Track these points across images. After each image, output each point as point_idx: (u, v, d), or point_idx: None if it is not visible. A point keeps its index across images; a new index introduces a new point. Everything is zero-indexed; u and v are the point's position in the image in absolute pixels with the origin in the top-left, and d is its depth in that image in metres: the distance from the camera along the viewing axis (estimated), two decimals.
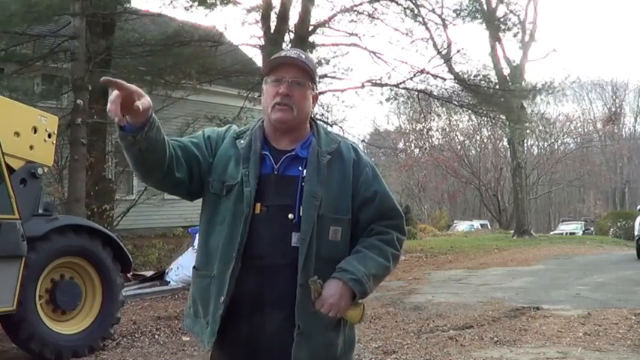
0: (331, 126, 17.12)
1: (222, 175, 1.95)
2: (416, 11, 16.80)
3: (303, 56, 1.98)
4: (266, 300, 1.87)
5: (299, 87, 1.93)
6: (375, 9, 16.59)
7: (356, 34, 16.60)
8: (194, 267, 2.05)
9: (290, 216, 1.88)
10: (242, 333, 1.90)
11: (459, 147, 40.76)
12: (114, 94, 1.68)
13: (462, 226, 37.45)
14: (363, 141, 26.53)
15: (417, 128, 39.08)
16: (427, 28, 17.24)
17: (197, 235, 2.50)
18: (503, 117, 19.58)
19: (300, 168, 1.93)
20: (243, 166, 1.92)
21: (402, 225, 2.05)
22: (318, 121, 2.09)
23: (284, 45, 15.02)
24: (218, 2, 13.00)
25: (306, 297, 1.84)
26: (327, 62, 16.52)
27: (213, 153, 1.99)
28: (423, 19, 17.01)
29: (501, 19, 20.27)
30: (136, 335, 6.46)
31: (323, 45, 16.62)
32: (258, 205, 1.89)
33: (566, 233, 31.83)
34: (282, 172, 1.94)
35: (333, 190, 1.92)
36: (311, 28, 15.65)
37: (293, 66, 1.94)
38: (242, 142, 1.97)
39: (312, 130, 2.03)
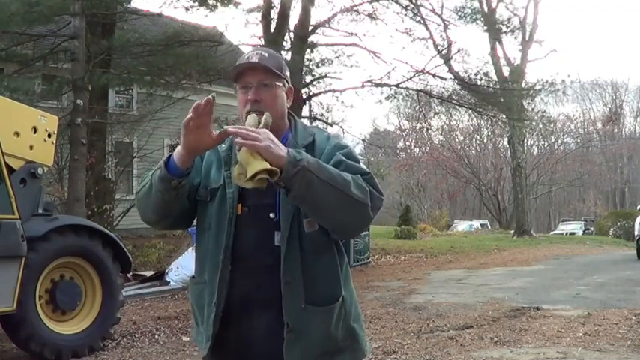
0: (331, 126, 17.15)
1: (205, 180, 1.95)
2: (416, 11, 16.83)
3: (266, 55, 1.94)
4: (254, 301, 1.86)
5: (266, 89, 1.90)
6: (376, 9, 16.62)
7: (356, 34, 16.64)
8: (191, 276, 2.06)
9: (271, 215, 1.86)
10: (232, 336, 1.89)
11: (459, 147, 40.77)
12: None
13: (461, 226, 37.42)
14: (363, 140, 26.56)
15: (417, 128, 39.07)
16: (427, 28, 17.27)
17: None
18: (504, 116, 19.59)
19: None
20: (225, 169, 1.91)
21: (374, 181, 1.86)
22: (295, 116, 2.06)
23: (284, 45, 15.04)
24: (219, 3, 13.01)
25: (293, 294, 1.82)
26: (330, 62, 16.56)
27: (201, 167, 2.00)
28: (423, 18, 17.03)
29: (502, 22, 20.28)
30: (136, 335, 6.46)
31: (325, 45, 16.66)
32: (239, 206, 1.88)
33: (566, 233, 31.81)
34: None
35: None
36: (311, 28, 15.67)
37: (256, 69, 1.91)
38: (223, 146, 1.96)
39: (289, 127, 2.00)
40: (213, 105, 1.74)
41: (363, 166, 1.96)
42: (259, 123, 1.79)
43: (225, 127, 1.77)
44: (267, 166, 1.65)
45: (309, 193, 1.71)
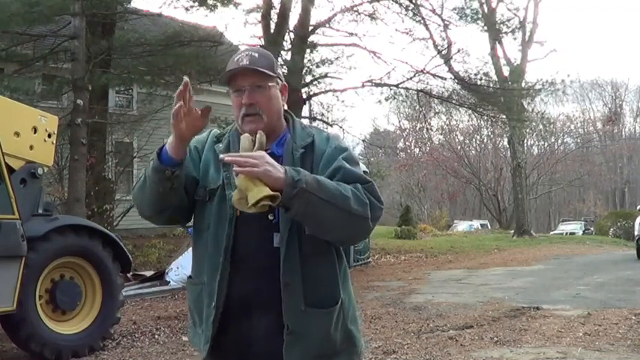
0: (331, 126, 17.16)
1: (204, 180, 1.93)
2: (416, 11, 16.84)
3: (256, 55, 1.91)
4: (254, 303, 1.85)
5: (261, 90, 1.89)
6: (376, 9, 16.63)
7: (356, 34, 16.64)
8: (188, 277, 2.04)
9: (270, 217, 1.84)
10: (232, 338, 1.88)
11: (459, 147, 40.77)
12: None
13: (461, 226, 37.43)
14: (363, 140, 26.59)
15: (417, 128, 39.08)
16: (427, 28, 17.28)
17: None
18: (504, 116, 19.60)
19: None
20: (223, 169, 1.89)
21: (374, 189, 1.85)
22: (293, 115, 2.04)
23: (284, 45, 15.04)
24: (219, 3, 13.02)
25: (293, 296, 1.81)
26: (330, 62, 16.57)
27: (200, 163, 1.98)
28: (423, 19, 17.05)
29: (502, 22, 20.29)
30: (136, 335, 6.46)
31: (325, 45, 16.66)
32: None
33: (566, 233, 31.81)
34: None
35: None
36: (311, 28, 15.67)
37: (248, 72, 1.88)
38: (220, 145, 1.95)
39: (287, 126, 1.98)
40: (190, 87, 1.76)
41: (363, 166, 1.95)
42: (254, 143, 1.78)
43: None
44: (268, 192, 1.66)
45: (309, 212, 1.72)
